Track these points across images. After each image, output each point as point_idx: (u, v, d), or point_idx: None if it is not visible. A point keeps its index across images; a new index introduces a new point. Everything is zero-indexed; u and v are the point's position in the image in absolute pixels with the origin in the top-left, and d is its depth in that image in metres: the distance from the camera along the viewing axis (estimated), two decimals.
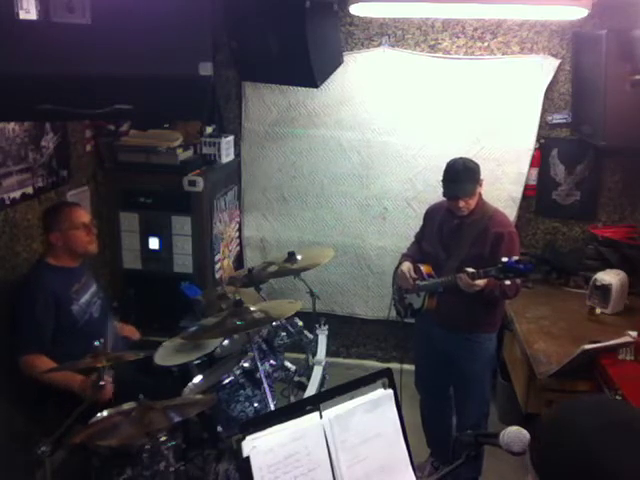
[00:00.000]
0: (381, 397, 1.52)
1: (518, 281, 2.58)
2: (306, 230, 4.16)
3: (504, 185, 3.80)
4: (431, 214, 3.02)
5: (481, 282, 2.56)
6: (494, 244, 2.70)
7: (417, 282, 2.85)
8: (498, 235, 2.70)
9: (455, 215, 2.80)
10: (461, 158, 2.76)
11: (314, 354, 2.87)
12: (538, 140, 3.75)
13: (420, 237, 3.08)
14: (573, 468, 0.85)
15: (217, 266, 3.80)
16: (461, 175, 2.68)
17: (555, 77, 3.66)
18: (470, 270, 2.56)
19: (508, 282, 2.49)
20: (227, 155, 3.85)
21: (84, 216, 2.80)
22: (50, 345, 2.61)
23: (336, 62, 3.46)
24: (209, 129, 3.81)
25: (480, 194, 2.78)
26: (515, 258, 2.45)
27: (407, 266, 2.91)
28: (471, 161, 2.74)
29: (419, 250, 3.03)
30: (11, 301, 2.70)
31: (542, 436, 0.92)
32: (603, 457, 0.83)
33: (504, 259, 2.45)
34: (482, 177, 2.75)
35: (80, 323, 2.73)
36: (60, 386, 2.51)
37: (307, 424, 1.40)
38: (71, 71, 1.69)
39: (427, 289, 2.83)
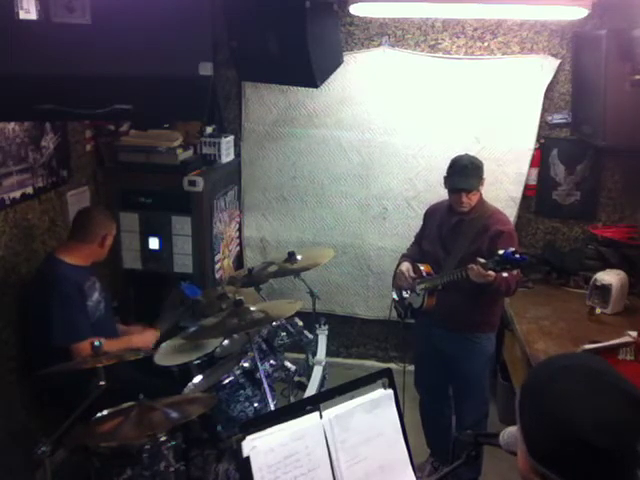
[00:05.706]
0: (381, 397, 1.53)
1: (514, 272, 2.57)
2: (306, 230, 4.16)
3: (504, 185, 3.80)
4: (431, 214, 3.03)
5: (493, 273, 2.48)
6: (492, 242, 2.70)
7: (416, 281, 2.86)
8: (497, 233, 2.71)
9: (455, 213, 2.81)
10: (466, 154, 2.80)
11: (314, 354, 2.87)
12: (538, 140, 3.75)
13: (420, 237, 3.09)
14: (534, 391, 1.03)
15: (217, 266, 3.80)
16: (468, 169, 2.71)
17: (555, 77, 3.66)
18: (482, 260, 2.48)
19: (505, 274, 2.48)
20: (227, 155, 3.85)
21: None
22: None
23: (336, 62, 3.45)
24: (209, 129, 3.80)
25: (481, 193, 2.80)
26: (511, 249, 2.43)
27: (406, 266, 2.94)
28: (476, 158, 2.78)
29: (419, 250, 3.04)
30: (22, 300, 2.74)
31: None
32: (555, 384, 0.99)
33: (500, 251, 2.43)
34: (484, 177, 2.77)
35: (92, 320, 2.75)
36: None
37: (307, 424, 1.41)
38: (71, 71, 1.69)
39: (427, 287, 2.84)
